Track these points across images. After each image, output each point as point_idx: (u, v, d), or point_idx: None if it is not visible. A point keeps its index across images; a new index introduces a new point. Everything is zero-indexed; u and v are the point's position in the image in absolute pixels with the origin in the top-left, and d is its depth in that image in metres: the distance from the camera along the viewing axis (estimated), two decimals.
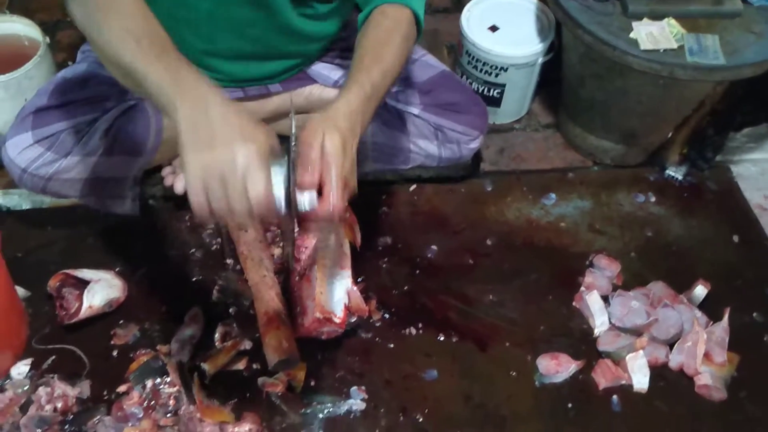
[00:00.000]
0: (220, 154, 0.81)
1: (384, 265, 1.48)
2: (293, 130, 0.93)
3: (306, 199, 0.88)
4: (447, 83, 1.47)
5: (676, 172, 1.68)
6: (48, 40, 1.62)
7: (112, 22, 0.94)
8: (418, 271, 1.47)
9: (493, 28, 1.69)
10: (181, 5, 1.21)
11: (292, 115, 0.98)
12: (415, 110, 1.45)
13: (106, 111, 1.34)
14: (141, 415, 1.23)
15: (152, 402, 1.24)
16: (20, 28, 1.65)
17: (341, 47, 1.46)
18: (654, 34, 1.43)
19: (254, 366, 1.31)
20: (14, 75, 1.51)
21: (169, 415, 1.23)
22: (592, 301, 1.40)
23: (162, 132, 1.40)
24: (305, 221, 0.93)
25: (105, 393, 1.27)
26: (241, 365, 1.31)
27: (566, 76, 1.66)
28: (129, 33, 0.91)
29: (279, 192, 0.86)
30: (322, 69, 1.46)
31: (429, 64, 1.49)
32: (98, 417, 1.23)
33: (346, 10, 1.39)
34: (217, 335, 1.34)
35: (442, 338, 1.37)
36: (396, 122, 1.47)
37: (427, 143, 1.48)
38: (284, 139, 0.92)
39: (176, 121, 0.85)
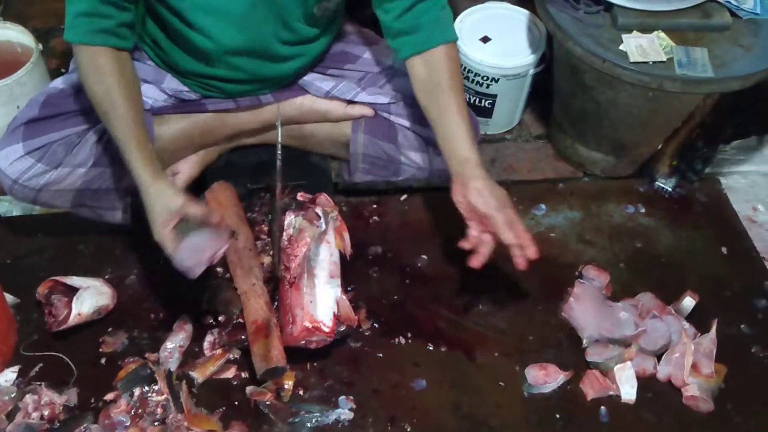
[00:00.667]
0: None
1: (374, 275, 1.48)
2: (279, 139, 0.95)
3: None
4: None
5: (665, 184, 1.68)
6: (41, 47, 1.62)
7: (101, 84, 1.17)
8: (408, 281, 1.48)
9: (485, 39, 1.70)
10: (184, 41, 1.29)
11: (278, 125, 0.99)
12: (406, 123, 1.46)
13: (97, 122, 1.34)
14: (128, 423, 1.22)
15: (140, 410, 1.24)
16: (13, 34, 1.65)
17: (333, 58, 1.47)
18: (643, 47, 1.44)
19: (243, 375, 1.31)
20: (6, 82, 1.51)
21: (156, 423, 1.23)
22: (580, 312, 1.40)
23: (152, 143, 1.40)
24: None
25: (92, 401, 1.26)
26: (229, 374, 1.31)
27: (557, 87, 1.67)
28: (111, 105, 1.16)
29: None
30: (314, 80, 1.46)
31: None
32: (85, 425, 1.22)
33: (332, 32, 1.41)
34: (205, 344, 1.34)
35: (431, 348, 1.37)
36: (387, 134, 1.47)
37: (417, 155, 1.48)
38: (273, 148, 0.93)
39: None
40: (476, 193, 1.23)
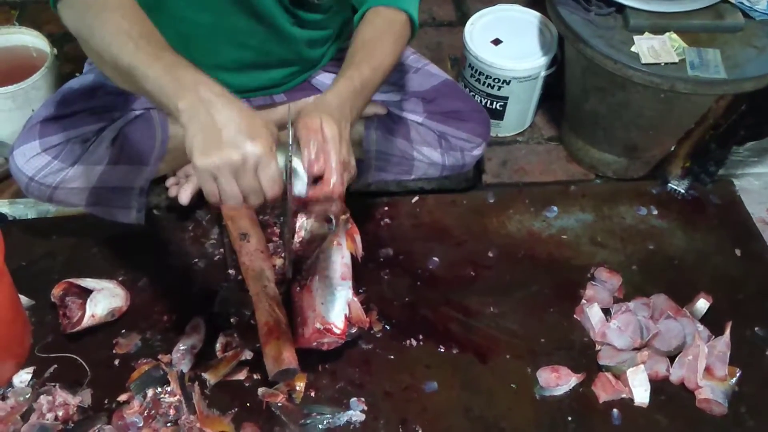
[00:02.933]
0: (229, 155, 0.84)
1: (385, 277, 1.48)
2: (290, 140, 0.95)
3: (307, 184, 0.93)
4: (449, 92, 1.48)
5: (678, 186, 1.68)
6: (56, 51, 1.64)
7: (106, 23, 0.93)
8: (419, 283, 1.48)
9: (496, 42, 1.70)
10: (183, 20, 1.23)
11: (288, 124, 0.99)
12: (419, 118, 1.46)
13: (113, 121, 1.36)
14: (141, 424, 1.23)
15: (153, 411, 1.24)
16: (29, 39, 1.67)
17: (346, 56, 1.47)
18: (655, 48, 1.44)
19: (255, 376, 1.31)
20: (22, 86, 1.53)
21: (169, 424, 1.23)
22: (592, 314, 1.40)
23: (167, 142, 1.42)
24: (309, 204, 0.96)
25: (106, 402, 1.27)
26: (241, 375, 1.31)
27: (569, 89, 1.67)
28: (125, 33, 0.91)
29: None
30: (326, 79, 1.47)
31: (432, 73, 1.50)
32: (99, 426, 1.23)
33: (342, 17, 1.40)
34: (218, 345, 1.34)
35: (442, 350, 1.37)
36: (400, 130, 1.48)
37: (430, 150, 1.49)
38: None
39: (180, 121, 0.87)
40: (311, 105, 1.00)
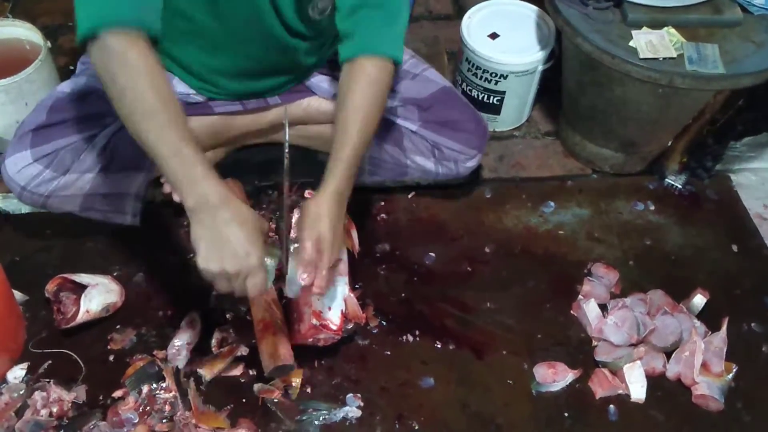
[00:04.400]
0: (226, 268, 0.98)
1: (381, 272, 1.48)
2: (286, 137, 0.95)
3: (297, 289, 1.12)
4: (447, 100, 1.45)
5: (675, 181, 1.67)
6: (49, 44, 1.62)
7: (133, 88, 0.96)
8: (415, 278, 1.47)
9: (494, 36, 1.69)
10: (189, 20, 1.23)
11: (285, 124, 0.99)
12: (413, 126, 1.45)
13: (105, 127, 1.34)
14: (136, 420, 1.22)
15: (148, 407, 1.24)
16: (22, 32, 1.65)
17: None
18: (653, 43, 1.43)
19: (250, 372, 1.31)
20: (15, 79, 1.52)
21: (164, 420, 1.23)
22: (589, 310, 1.39)
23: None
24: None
25: (101, 398, 1.27)
26: (237, 371, 1.31)
27: (566, 84, 1.66)
28: (151, 111, 0.96)
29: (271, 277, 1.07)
30: (321, 81, 1.46)
31: (430, 80, 1.47)
32: (94, 422, 1.23)
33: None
34: (213, 341, 1.34)
35: (439, 346, 1.37)
36: (392, 138, 1.47)
37: (423, 160, 1.48)
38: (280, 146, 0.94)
39: (188, 215, 0.99)
40: (308, 216, 1.10)
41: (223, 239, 0.97)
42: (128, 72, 0.96)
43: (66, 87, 1.37)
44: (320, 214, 1.09)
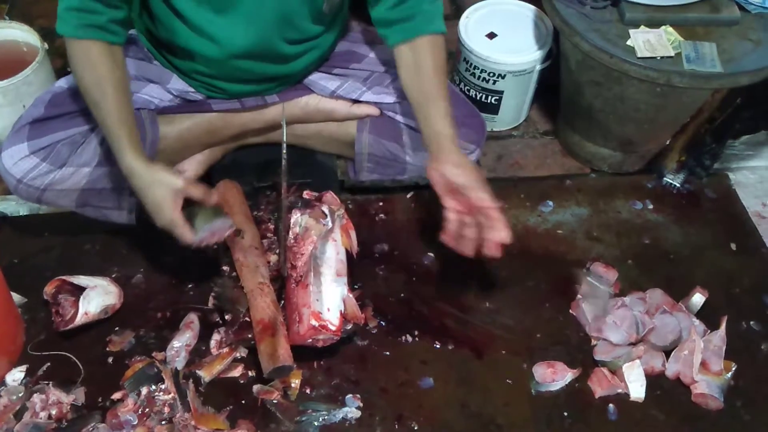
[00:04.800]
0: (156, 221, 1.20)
1: (380, 272, 1.47)
2: (284, 138, 0.95)
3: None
4: None
5: (674, 180, 1.67)
6: (46, 46, 1.62)
7: (88, 84, 1.18)
8: (414, 279, 1.47)
9: (491, 36, 1.69)
10: (190, 48, 1.30)
11: (283, 124, 0.99)
12: (412, 122, 1.45)
13: None
14: (135, 423, 1.22)
15: (147, 409, 1.24)
16: (19, 34, 1.65)
17: (338, 57, 1.47)
18: (651, 42, 1.43)
19: (249, 373, 1.31)
20: (12, 81, 1.52)
21: (163, 422, 1.23)
22: (588, 309, 1.39)
23: (157, 143, 1.41)
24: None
25: (100, 400, 1.26)
26: (236, 372, 1.31)
27: (564, 83, 1.66)
28: (98, 104, 1.17)
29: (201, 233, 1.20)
30: (319, 79, 1.46)
31: None
32: (93, 424, 1.22)
33: (337, 28, 1.40)
34: (212, 342, 1.34)
35: (438, 346, 1.37)
36: (392, 134, 1.47)
37: (423, 155, 1.48)
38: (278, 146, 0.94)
39: None
40: (453, 166, 1.21)
41: (144, 201, 1.18)
42: (88, 66, 1.17)
43: (64, 82, 1.37)
44: (465, 162, 1.22)
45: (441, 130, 1.25)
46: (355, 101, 1.47)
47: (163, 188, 1.14)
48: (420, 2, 1.29)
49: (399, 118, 1.46)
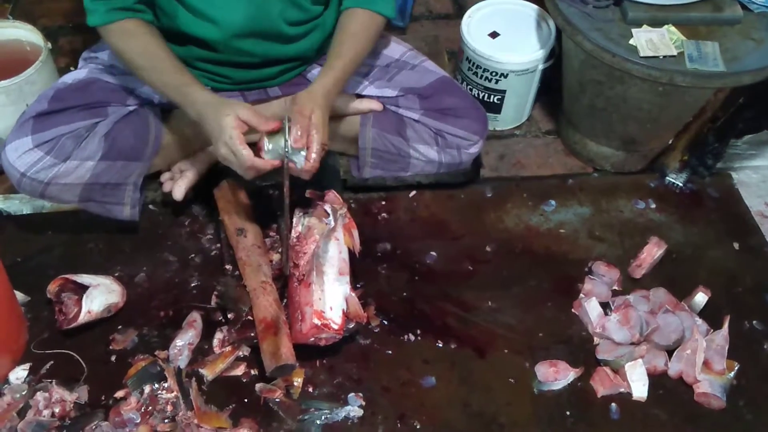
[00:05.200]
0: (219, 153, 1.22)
1: (383, 271, 1.48)
2: (286, 135, 0.96)
3: (301, 159, 1.20)
4: (447, 88, 1.47)
5: (676, 179, 1.67)
6: (50, 45, 1.62)
7: (136, 55, 1.26)
8: (417, 278, 1.47)
9: (494, 35, 1.69)
10: (191, 33, 1.31)
11: (285, 123, 0.99)
12: (415, 115, 1.46)
13: (106, 116, 1.35)
14: (138, 421, 1.22)
15: (150, 407, 1.24)
16: (22, 33, 1.66)
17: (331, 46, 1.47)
18: (654, 41, 1.43)
19: (252, 372, 1.31)
20: (15, 80, 1.52)
21: (166, 420, 1.23)
22: (590, 309, 1.39)
23: (161, 137, 1.41)
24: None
25: (103, 398, 1.27)
26: (239, 371, 1.31)
27: (566, 82, 1.66)
28: (157, 72, 1.26)
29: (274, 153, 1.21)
30: None
31: (429, 70, 1.49)
32: (96, 422, 1.23)
33: (334, 16, 1.40)
34: (215, 341, 1.34)
35: (440, 345, 1.37)
36: (396, 128, 1.47)
37: (427, 148, 1.48)
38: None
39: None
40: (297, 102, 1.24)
41: (210, 133, 1.21)
42: (129, 39, 1.25)
43: (68, 78, 1.38)
44: (311, 99, 1.23)
45: (317, 80, 1.29)
46: (358, 96, 1.48)
47: (247, 109, 1.19)
48: None
49: (402, 112, 1.46)
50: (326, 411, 1.27)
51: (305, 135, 1.18)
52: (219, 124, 1.17)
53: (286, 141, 1.14)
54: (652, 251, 1.48)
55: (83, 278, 1.36)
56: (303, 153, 1.20)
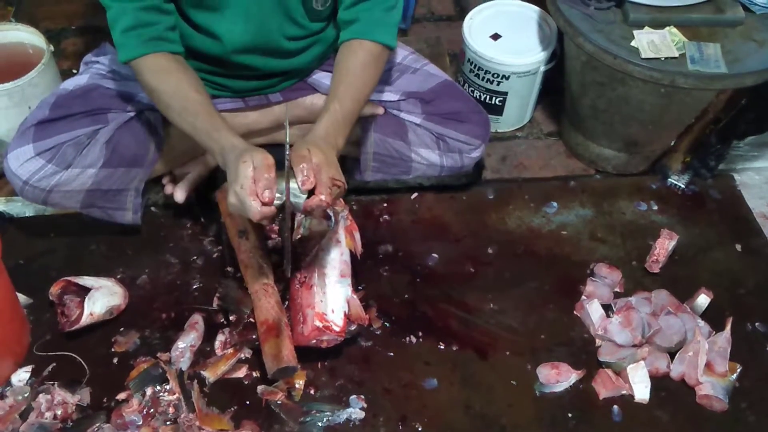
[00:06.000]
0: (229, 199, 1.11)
1: (384, 273, 1.48)
2: (287, 139, 0.96)
3: (304, 198, 1.11)
4: (449, 92, 1.47)
5: (678, 181, 1.67)
6: (52, 48, 1.63)
7: (161, 94, 1.21)
8: (418, 279, 1.47)
9: (495, 37, 1.69)
10: (191, 46, 1.30)
11: (286, 124, 0.99)
12: (417, 119, 1.46)
13: (107, 123, 1.35)
14: (140, 423, 1.23)
15: (152, 409, 1.24)
16: (25, 36, 1.66)
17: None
18: (655, 43, 1.43)
19: (254, 374, 1.31)
20: (18, 83, 1.52)
21: (168, 422, 1.23)
22: (592, 310, 1.39)
23: (162, 143, 1.41)
24: (307, 213, 1.16)
25: (105, 400, 1.27)
26: (240, 373, 1.31)
27: (568, 84, 1.66)
28: (173, 109, 1.21)
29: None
30: (323, 78, 1.46)
31: (431, 74, 1.49)
32: (98, 424, 1.23)
33: (335, 30, 1.41)
34: (217, 343, 1.34)
35: (442, 347, 1.37)
36: (397, 132, 1.47)
37: (429, 152, 1.48)
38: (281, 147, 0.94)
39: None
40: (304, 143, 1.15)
41: (237, 181, 1.08)
42: (163, 76, 1.20)
43: (69, 84, 1.38)
44: (305, 142, 1.13)
45: (316, 126, 1.20)
46: None
47: (250, 155, 1.09)
48: (371, 9, 1.28)
49: (404, 116, 1.46)
50: (328, 413, 1.27)
51: (311, 173, 1.08)
52: (236, 170, 1.08)
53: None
54: (665, 244, 1.48)
55: (85, 280, 1.36)
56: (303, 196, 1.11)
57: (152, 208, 1.55)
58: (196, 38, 1.29)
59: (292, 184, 1.10)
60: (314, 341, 1.26)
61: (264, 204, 1.05)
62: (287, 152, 0.92)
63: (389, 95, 1.46)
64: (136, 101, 1.38)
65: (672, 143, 1.64)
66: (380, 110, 1.47)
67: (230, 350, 1.33)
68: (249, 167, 1.06)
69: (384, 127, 1.47)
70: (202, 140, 1.19)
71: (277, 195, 1.08)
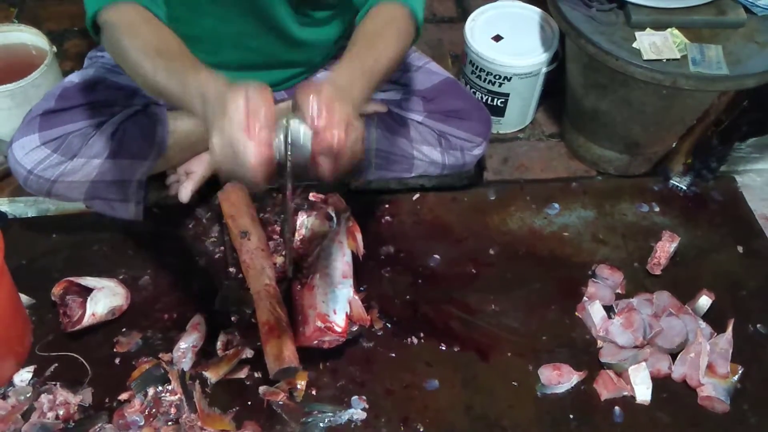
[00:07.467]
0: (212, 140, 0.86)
1: (386, 274, 1.48)
2: (289, 138, 0.92)
3: (302, 132, 0.88)
4: (450, 90, 1.48)
5: (680, 182, 1.67)
6: (55, 49, 1.63)
7: (131, 47, 1.00)
8: (420, 281, 1.47)
9: (497, 38, 1.69)
10: (185, 23, 1.23)
11: (288, 123, 0.97)
12: (419, 117, 1.46)
13: (113, 115, 1.36)
14: (142, 423, 1.23)
15: (153, 410, 1.24)
16: (27, 37, 1.66)
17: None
18: (657, 44, 1.43)
19: (256, 374, 1.31)
20: (21, 84, 1.53)
21: (170, 423, 1.23)
22: (594, 312, 1.39)
23: (167, 137, 1.41)
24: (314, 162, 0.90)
25: (107, 400, 1.27)
26: (242, 374, 1.31)
27: (570, 85, 1.66)
28: (145, 54, 0.98)
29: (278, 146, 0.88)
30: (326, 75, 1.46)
31: (433, 72, 1.50)
32: (100, 425, 1.23)
33: (348, 16, 1.40)
34: (219, 343, 1.34)
35: (443, 348, 1.37)
36: (399, 129, 1.47)
37: (430, 150, 1.48)
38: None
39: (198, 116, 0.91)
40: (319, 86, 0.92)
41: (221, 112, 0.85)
42: (130, 31, 1.00)
43: (74, 77, 1.39)
44: (314, 81, 0.93)
45: (336, 68, 0.99)
46: None
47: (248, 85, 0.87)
48: None
49: (406, 113, 1.46)
50: (329, 414, 1.27)
51: (323, 106, 0.86)
52: (222, 105, 0.85)
53: (287, 143, 0.90)
54: (666, 246, 1.48)
55: (87, 281, 1.36)
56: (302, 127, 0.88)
57: (154, 209, 1.56)
58: (200, 23, 1.27)
59: (296, 125, 0.88)
60: (316, 342, 1.26)
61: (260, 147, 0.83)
62: (289, 152, 0.89)
63: (392, 93, 1.46)
64: (142, 95, 1.38)
65: (673, 145, 1.64)
66: (383, 108, 1.47)
67: (232, 351, 1.33)
68: (241, 97, 0.83)
69: (387, 125, 1.47)
70: (178, 89, 0.94)
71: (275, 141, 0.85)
